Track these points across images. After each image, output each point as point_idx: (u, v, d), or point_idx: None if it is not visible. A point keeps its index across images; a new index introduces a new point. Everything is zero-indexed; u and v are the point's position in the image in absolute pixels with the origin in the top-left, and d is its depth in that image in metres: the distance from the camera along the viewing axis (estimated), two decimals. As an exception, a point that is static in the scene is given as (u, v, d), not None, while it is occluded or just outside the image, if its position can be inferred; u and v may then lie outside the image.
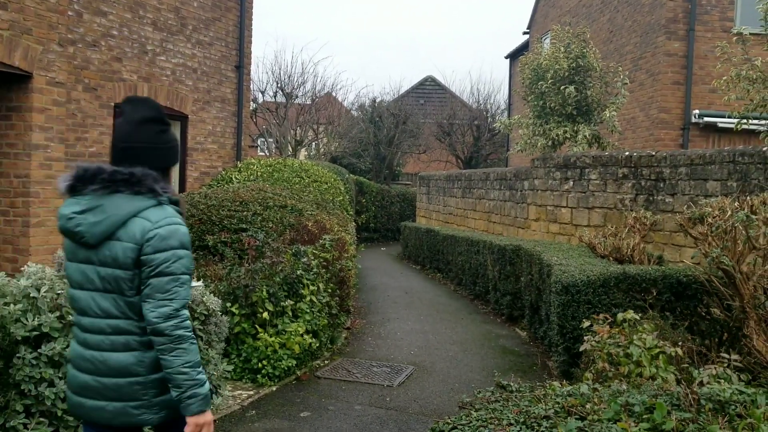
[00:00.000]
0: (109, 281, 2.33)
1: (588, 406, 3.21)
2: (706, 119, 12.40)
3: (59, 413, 3.67)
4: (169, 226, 2.35)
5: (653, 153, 8.74)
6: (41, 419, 3.64)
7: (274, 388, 5.89)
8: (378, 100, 25.20)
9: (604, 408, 3.16)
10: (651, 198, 8.60)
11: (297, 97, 25.74)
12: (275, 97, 25.31)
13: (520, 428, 3.04)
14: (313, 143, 25.18)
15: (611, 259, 7.07)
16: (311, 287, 6.71)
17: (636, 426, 2.88)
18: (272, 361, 5.96)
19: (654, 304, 6.01)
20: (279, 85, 25.30)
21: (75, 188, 2.36)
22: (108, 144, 9.36)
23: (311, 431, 4.95)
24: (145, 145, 2.40)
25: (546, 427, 3.00)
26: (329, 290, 7.27)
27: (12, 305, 3.60)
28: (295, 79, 25.30)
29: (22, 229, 6.99)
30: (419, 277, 14.05)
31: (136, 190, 2.34)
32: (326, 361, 6.89)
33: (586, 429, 2.96)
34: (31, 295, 3.69)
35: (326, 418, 5.23)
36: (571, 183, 9.74)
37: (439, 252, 13.77)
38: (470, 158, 25.95)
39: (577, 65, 10.86)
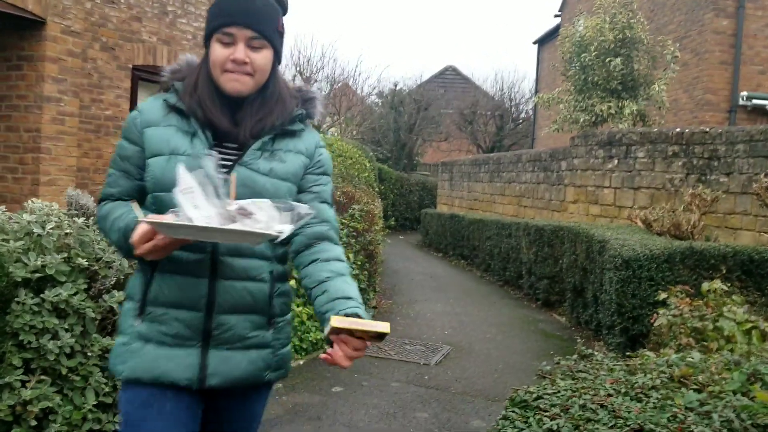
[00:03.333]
0: None
1: (701, 377, 2.64)
2: (754, 101, 11.72)
3: (64, 371, 3.13)
4: None
5: (707, 129, 8.12)
6: (43, 377, 3.10)
7: (301, 362, 5.35)
8: (399, 86, 24.62)
9: (725, 378, 2.59)
10: (703, 177, 7.99)
11: (316, 81, 25.24)
12: (294, 81, 24.81)
13: (623, 399, 2.48)
14: (332, 129, 24.66)
15: (669, 236, 6.48)
16: (341, 257, 6.17)
17: (775, 399, 2.31)
18: (300, 333, 5.43)
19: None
20: (297, 68, 24.81)
21: None
22: (125, 108, 8.86)
23: (347, 407, 4.40)
24: None
25: (657, 399, 2.43)
26: (358, 262, 6.72)
27: (12, 242, 3.07)
28: (315, 63, 24.81)
29: (31, 188, 6.50)
30: (442, 263, 13.48)
31: None
32: (355, 338, 6.34)
33: (708, 402, 2.39)
34: (34, 231, 3.16)
35: (361, 394, 4.68)
36: (616, 161, 9.12)
37: (463, 238, 13.18)
38: (492, 148, 25.30)
39: (624, 37, 10.19)
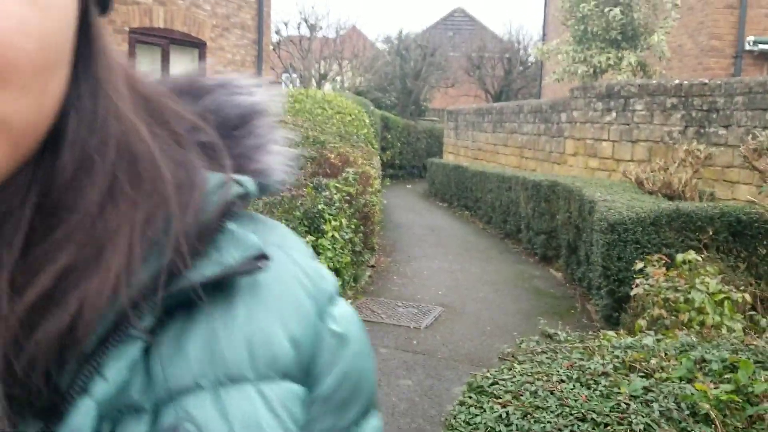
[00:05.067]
0: None
1: (653, 361, 2.73)
2: (761, 46, 11.45)
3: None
4: None
5: (706, 81, 8.01)
6: None
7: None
8: (405, 32, 24.23)
9: (674, 364, 2.68)
10: (702, 130, 7.92)
11: (321, 28, 24.90)
12: (299, 28, 24.51)
13: (574, 386, 2.58)
14: (338, 77, 24.45)
15: (660, 195, 6.50)
16: (333, 222, 6.26)
17: (715, 388, 2.40)
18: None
19: (709, 245, 5.46)
20: (302, 15, 24.48)
21: None
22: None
23: (332, 377, 4.57)
24: None
25: (605, 386, 2.53)
26: (352, 226, 6.82)
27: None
28: (319, 10, 24.42)
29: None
30: (446, 214, 13.55)
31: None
32: (349, 300, 6.47)
33: (654, 389, 2.49)
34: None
35: (348, 363, 4.84)
36: (614, 114, 9.04)
37: (467, 189, 13.22)
38: (500, 92, 25.02)
39: (624, -15, 9.97)
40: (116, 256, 0.40)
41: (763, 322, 3.94)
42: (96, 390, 0.39)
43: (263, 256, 0.44)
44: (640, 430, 2.16)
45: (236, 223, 0.46)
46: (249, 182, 0.48)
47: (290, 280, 0.47)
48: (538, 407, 2.46)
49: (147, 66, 9.12)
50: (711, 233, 5.45)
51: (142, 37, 9.15)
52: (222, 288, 0.44)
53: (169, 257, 0.42)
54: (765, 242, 5.43)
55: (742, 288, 4.42)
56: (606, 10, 9.89)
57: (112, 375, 0.39)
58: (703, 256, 4.38)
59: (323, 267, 0.51)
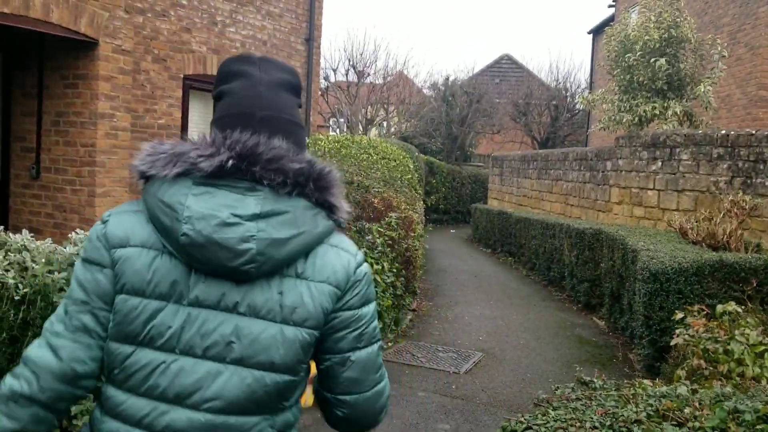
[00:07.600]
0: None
1: (687, 410, 2.74)
2: (811, 97, 11.35)
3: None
4: (365, 265, 1.50)
5: (753, 132, 7.97)
6: (85, 393, 3.44)
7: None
8: (451, 79, 24.58)
9: (707, 414, 2.69)
10: (749, 181, 7.85)
11: (369, 75, 25.47)
12: (347, 75, 25.11)
13: (606, 433, 2.62)
14: (384, 122, 24.87)
15: (704, 245, 6.44)
16: (375, 266, 6.38)
17: (748, 439, 2.41)
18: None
19: (753, 296, 5.40)
20: (351, 62, 25.08)
21: (226, 171, 1.31)
22: (178, 116, 9.29)
23: (370, 418, 4.62)
24: (291, 118, 1.42)
25: (637, 434, 2.56)
26: (394, 270, 6.92)
27: (56, 273, 3.40)
28: (367, 57, 25.03)
29: (87, 199, 6.94)
30: (489, 260, 13.54)
31: (322, 199, 1.38)
32: (389, 344, 6.57)
33: (686, 439, 2.51)
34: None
35: (387, 405, 4.90)
36: (660, 163, 9.02)
37: (511, 235, 13.22)
38: (546, 139, 25.04)
39: (669, 36, 10.01)
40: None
41: (807, 376, 3.88)
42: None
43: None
44: (668, 477, 2.19)
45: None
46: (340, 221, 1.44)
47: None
48: (569, 453, 2.50)
49: (200, 111, 9.42)
50: (755, 284, 5.39)
51: (195, 84, 9.57)
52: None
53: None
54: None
55: (786, 341, 4.36)
56: (652, 60, 9.94)
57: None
58: (744, 307, 4.35)
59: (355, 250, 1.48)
